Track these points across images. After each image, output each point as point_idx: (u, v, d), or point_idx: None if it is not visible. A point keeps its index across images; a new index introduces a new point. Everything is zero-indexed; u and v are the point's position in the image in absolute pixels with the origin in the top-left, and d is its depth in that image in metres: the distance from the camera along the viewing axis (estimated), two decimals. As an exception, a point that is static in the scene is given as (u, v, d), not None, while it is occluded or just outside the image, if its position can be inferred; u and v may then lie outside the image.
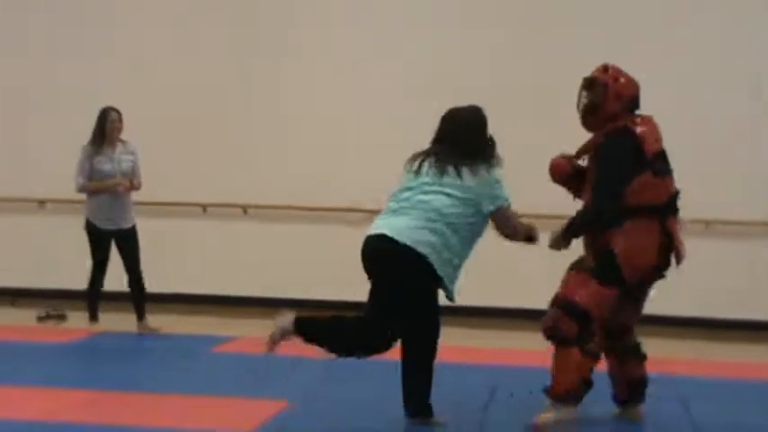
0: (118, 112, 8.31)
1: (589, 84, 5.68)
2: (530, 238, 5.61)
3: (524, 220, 5.68)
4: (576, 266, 5.64)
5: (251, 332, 8.34)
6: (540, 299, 5.91)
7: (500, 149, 5.58)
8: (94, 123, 8.26)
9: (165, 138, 9.56)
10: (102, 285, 8.36)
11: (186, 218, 9.46)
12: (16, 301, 9.96)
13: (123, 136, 8.34)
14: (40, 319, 9.11)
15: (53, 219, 10.00)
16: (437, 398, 5.59)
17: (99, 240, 8.26)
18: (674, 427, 5.74)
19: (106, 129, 8.23)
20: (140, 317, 8.35)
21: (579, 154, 5.80)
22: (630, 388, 5.77)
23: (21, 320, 9.11)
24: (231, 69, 9.81)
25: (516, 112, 8.83)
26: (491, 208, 5.42)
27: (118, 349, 7.65)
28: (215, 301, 9.55)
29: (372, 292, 5.45)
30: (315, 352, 7.55)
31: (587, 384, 5.59)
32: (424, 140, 5.68)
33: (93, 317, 8.40)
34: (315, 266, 9.49)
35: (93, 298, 8.41)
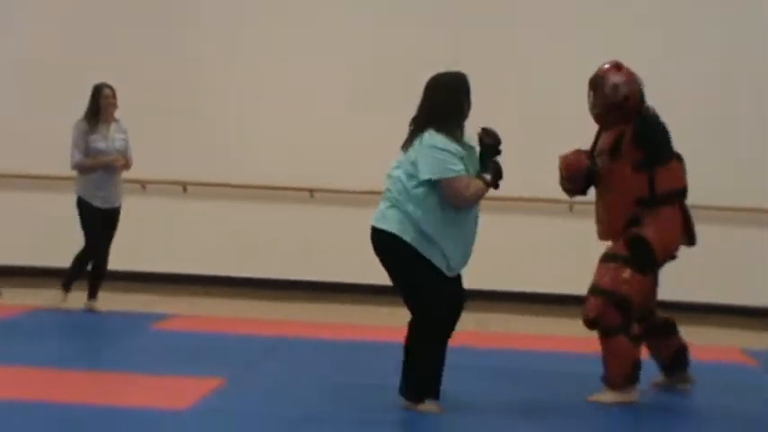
0: (111, 88, 8.18)
1: (602, 81, 5.82)
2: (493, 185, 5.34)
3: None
4: (610, 258, 5.83)
5: (190, 310, 8.35)
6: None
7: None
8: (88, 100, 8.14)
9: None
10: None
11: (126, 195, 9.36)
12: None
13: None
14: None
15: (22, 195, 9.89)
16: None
17: (92, 217, 8.14)
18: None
19: (101, 106, 8.12)
20: (94, 295, 8.27)
21: (595, 153, 5.95)
22: (675, 358, 6.09)
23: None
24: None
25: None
26: (426, 176, 5.15)
27: (55, 326, 7.58)
28: (152, 278, 9.48)
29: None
30: (250, 329, 7.68)
31: (639, 366, 5.80)
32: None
33: (66, 289, 8.24)
34: (249, 244, 9.51)
35: (76, 274, 8.23)
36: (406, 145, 5.29)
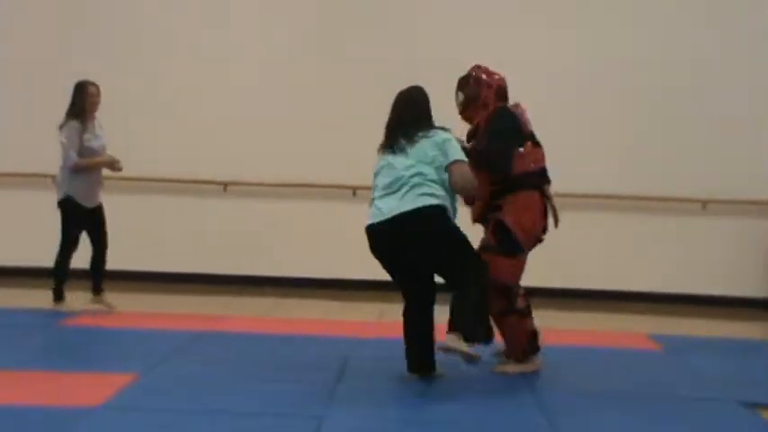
0: (96, 86, 8.02)
1: (464, 82, 6.38)
2: None
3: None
4: (484, 249, 6.18)
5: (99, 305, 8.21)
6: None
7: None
8: (71, 98, 7.97)
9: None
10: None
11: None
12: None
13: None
14: None
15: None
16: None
17: (79, 217, 7.99)
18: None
19: (86, 104, 7.95)
20: (100, 290, 8.17)
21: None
22: (529, 340, 6.33)
23: None
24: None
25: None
26: (457, 156, 5.89)
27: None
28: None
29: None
30: (165, 324, 7.59)
31: (535, 336, 6.32)
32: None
33: (61, 297, 8.07)
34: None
35: (63, 277, 8.06)
36: (399, 147, 5.87)
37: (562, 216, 6.38)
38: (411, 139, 5.89)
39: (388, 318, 8.60)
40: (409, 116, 5.98)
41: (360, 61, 9.66)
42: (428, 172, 5.79)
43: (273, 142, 9.60)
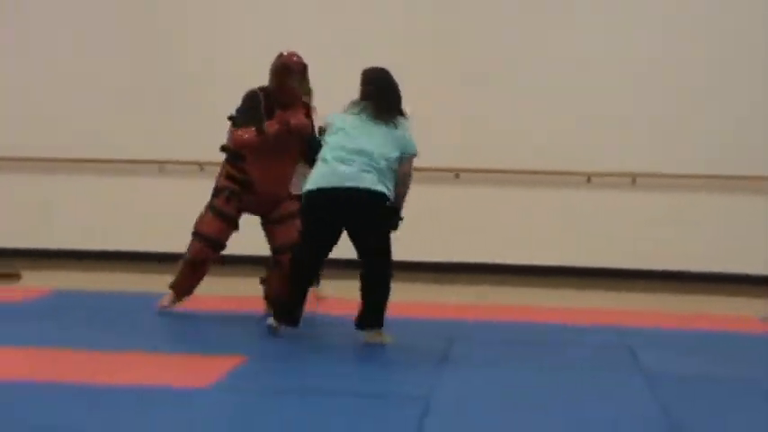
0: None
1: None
2: None
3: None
4: None
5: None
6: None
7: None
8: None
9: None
10: None
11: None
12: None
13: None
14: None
15: (7, 177, 9.95)
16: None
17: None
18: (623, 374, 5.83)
19: None
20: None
21: None
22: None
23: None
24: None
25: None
26: (413, 151, 6.47)
27: (74, 308, 7.54)
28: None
29: None
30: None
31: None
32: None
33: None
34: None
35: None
36: (378, 122, 6.32)
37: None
38: (390, 121, 6.35)
39: (490, 299, 8.62)
40: (393, 97, 6.44)
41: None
42: (392, 160, 6.29)
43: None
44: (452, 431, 4.64)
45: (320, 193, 6.25)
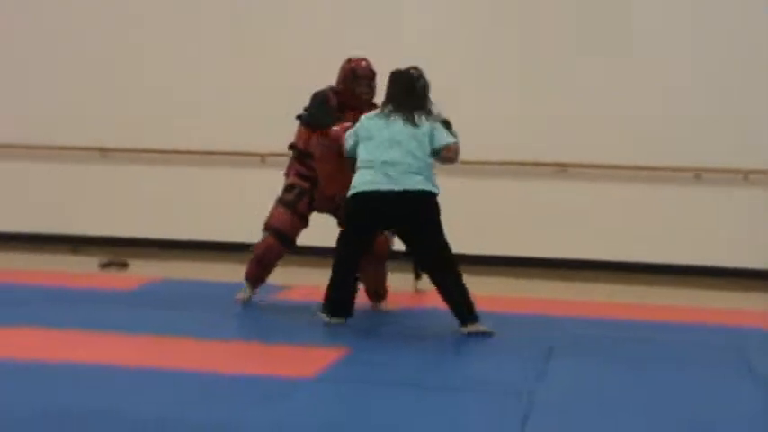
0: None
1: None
2: None
3: None
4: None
5: (301, 281, 8.37)
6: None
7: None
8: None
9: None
10: None
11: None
12: (78, 248, 10.08)
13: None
14: (102, 266, 9.22)
15: (114, 167, 10.11)
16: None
17: None
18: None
19: None
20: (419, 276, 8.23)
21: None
22: None
23: (83, 268, 9.22)
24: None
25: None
26: (451, 140, 6.63)
27: (179, 296, 7.65)
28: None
29: None
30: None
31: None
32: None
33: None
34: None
35: None
36: (410, 124, 6.47)
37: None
38: (413, 121, 6.50)
39: (592, 295, 8.51)
40: (415, 97, 6.57)
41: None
42: (426, 158, 6.46)
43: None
44: (557, 426, 4.58)
45: (365, 196, 6.43)
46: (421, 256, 6.63)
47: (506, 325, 6.73)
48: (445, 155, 6.57)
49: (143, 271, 8.76)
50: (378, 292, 7.36)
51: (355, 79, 7.09)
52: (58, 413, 4.46)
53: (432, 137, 6.52)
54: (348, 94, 7.13)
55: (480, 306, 6.56)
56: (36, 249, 10.16)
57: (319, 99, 7.12)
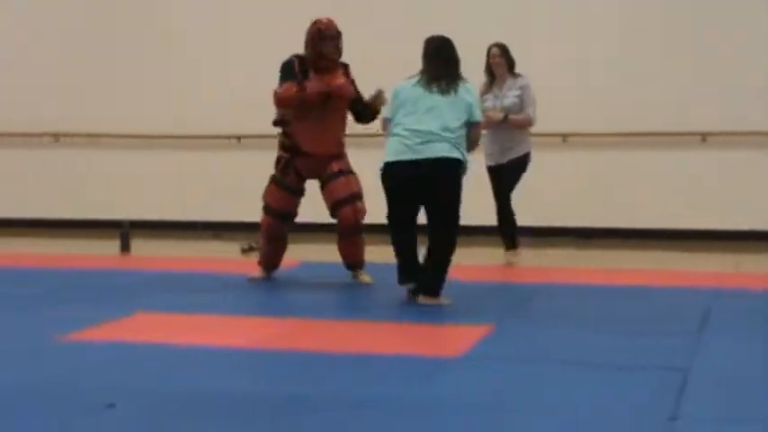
0: (497, 46, 8.32)
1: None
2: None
3: None
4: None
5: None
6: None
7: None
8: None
9: None
10: None
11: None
12: (220, 234, 10.24)
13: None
14: (244, 251, 9.32)
15: (251, 153, 10.21)
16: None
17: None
18: None
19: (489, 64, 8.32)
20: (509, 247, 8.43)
21: None
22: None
23: (225, 253, 9.35)
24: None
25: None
26: (480, 118, 6.78)
27: (322, 279, 7.69)
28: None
29: None
30: (506, 277, 7.67)
31: None
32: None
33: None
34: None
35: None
36: (441, 91, 6.51)
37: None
38: (452, 88, 6.53)
39: (745, 268, 8.27)
40: (452, 65, 6.63)
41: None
42: (460, 127, 6.48)
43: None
44: (713, 405, 4.43)
45: (397, 165, 6.46)
46: (432, 215, 6.56)
47: (657, 299, 6.59)
48: (474, 131, 6.62)
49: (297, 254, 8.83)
50: (353, 263, 7.44)
51: (321, 40, 7.13)
52: (224, 395, 4.49)
53: (470, 112, 6.56)
54: (316, 57, 7.21)
55: (633, 280, 6.37)
56: (182, 236, 10.39)
57: (285, 66, 7.21)
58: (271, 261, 7.62)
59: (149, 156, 10.81)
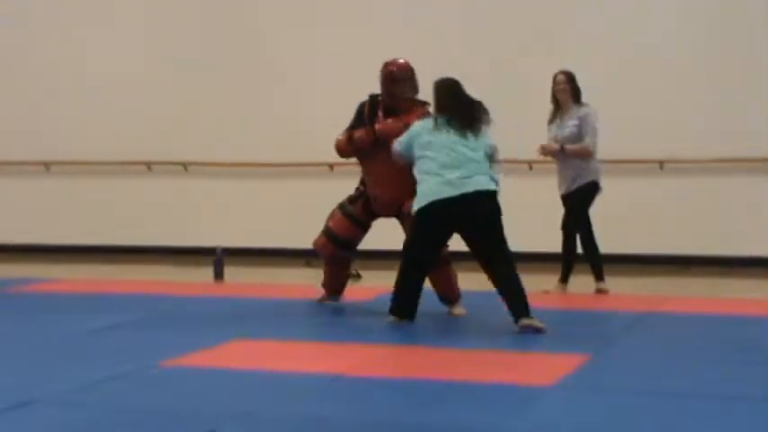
0: (563, 73, 8.34)
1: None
2: None
3: None
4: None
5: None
6: None
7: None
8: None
9: None
10: None
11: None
12: (311, 261, 10.32)
13: None
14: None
15: (343, 181, 10.29)
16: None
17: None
18: None
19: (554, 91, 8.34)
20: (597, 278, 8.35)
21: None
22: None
23: (316, 280, 9.41)
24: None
25: None
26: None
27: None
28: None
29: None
30: (607, 305, 7.62)
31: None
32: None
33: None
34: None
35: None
36: (468, 133, 6.72)
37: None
38: (477, 131, 6.75)
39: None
40: (479, 107, 6.79)
41: None
42: (484, 159, 6.71)
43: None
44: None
45: (435, 206, 6.58)
46: (483, 250, 6.68)
47: (755, 326, 6.50)
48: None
49: (376, 282, 8.87)
50: (448, 296, 7.35)
51: (393, 82, 7.19)
52: (321, 422, 4.54)
53: (490, 155, 6.78)
54: (391, 98, 7.22)
55: (728, 309, 6.31)
56: (270, 263, 10.50)
57: (356, 111, 7.36)
58: (331, 284, 7.74)
59: (243, 184, 10.99)
